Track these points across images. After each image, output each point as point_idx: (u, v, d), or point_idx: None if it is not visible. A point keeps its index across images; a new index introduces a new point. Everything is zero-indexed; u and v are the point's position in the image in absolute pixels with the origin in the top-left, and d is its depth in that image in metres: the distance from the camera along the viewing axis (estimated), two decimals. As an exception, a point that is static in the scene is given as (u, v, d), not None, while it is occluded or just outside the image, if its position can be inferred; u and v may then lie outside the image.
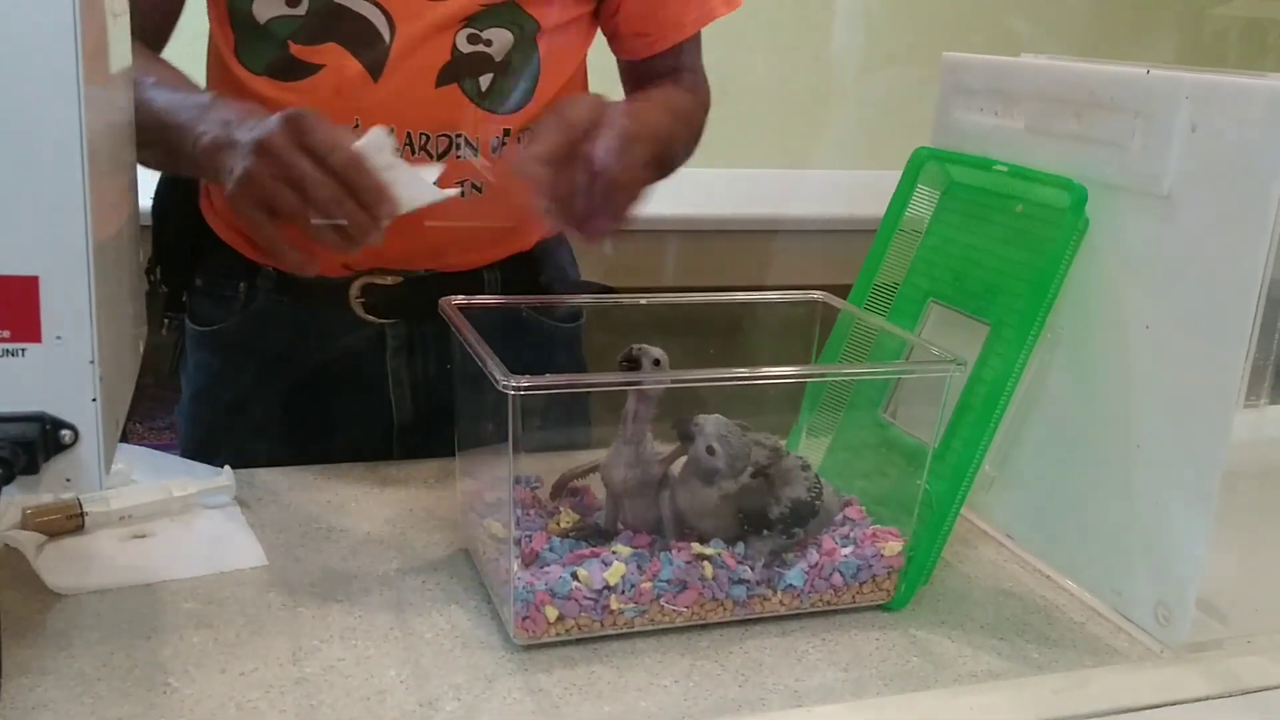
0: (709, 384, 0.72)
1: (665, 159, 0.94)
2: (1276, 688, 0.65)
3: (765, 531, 0.75)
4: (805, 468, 0.78)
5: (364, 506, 0.88)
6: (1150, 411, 0.73)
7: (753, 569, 0.74)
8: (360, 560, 0.80)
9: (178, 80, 0.87)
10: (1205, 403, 0.69)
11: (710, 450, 0.73)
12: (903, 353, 0.87)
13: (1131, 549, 0.75)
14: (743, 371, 0.71)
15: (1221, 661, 0.68)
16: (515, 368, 0.66)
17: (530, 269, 1.04)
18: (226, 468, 0.87)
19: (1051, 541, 0.83)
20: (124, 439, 0.93)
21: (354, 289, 0.98)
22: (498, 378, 0.64)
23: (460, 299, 0.79)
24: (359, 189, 0.71)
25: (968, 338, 0.82)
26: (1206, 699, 0.63)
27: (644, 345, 0.75)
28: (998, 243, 0.82)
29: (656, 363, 0.74)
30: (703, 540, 0.75)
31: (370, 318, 0.99)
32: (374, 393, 1.01)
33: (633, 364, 0.74)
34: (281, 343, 1.00)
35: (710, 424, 0.73)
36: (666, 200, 1.78)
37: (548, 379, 0.65)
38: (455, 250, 0.98)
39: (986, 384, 0.77)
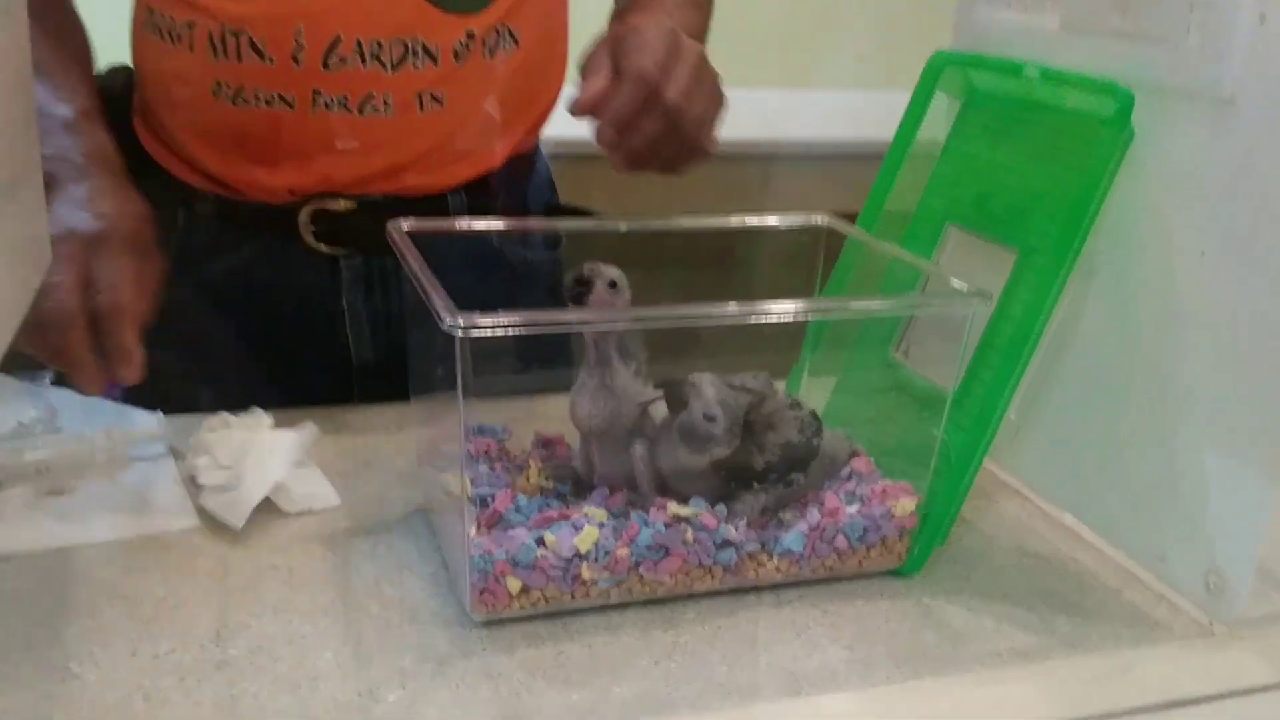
0: (700, 323, 0.62)
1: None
2: (1353, 674, 0.56)
3: (755, 485, 0.65)
4: (795, 405, 0.68)
5: (317, 454, 0.79)
6: (1203, 350, 0.63)
7: (737, 528, 0.65)
8: (305, 520, 0.71)
9: (53, 61, 0.80)
10: (1268, 339, 0.59)
11: (710, 417, 0.63)
12: (917, 285, 0.77)
13: (1178, 508, 0.66)
14: (736, 309, 0.61)
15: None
16: (481, 302, 0.56)
17: (503, 191, 0.94)
18: (158, 413, 0.78)
19: (1082, 497, 0.74)
20: (58, 383, 0.84)
21: (303, 215, 0.88)
22: (442, 316, 0.55)
23: (411, 222, 0.69)
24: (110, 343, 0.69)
25: (992, 267, 0.72)
26: (1271, 688, 0.54)
27: (596, 264, 0.65)
28: (1027, 159, 0.72)
29: (613, 285, 0.64)
30: (682, 499, 0.65)
31: (322, 247, 0.89)
32: (329, 331, 0.91)
33: (583, 286, 0.64)
34: (224, 277, 0.90)
35: (707, 385, 0.64)
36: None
37: (499, 318, 0.55)
38: (415, 171, 0.88)
39: (1014, 320, 0.67)
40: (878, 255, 0.79)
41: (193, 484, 0.72)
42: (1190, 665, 0.56)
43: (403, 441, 0.82)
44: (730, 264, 0.81)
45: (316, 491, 0.73)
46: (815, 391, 0.82)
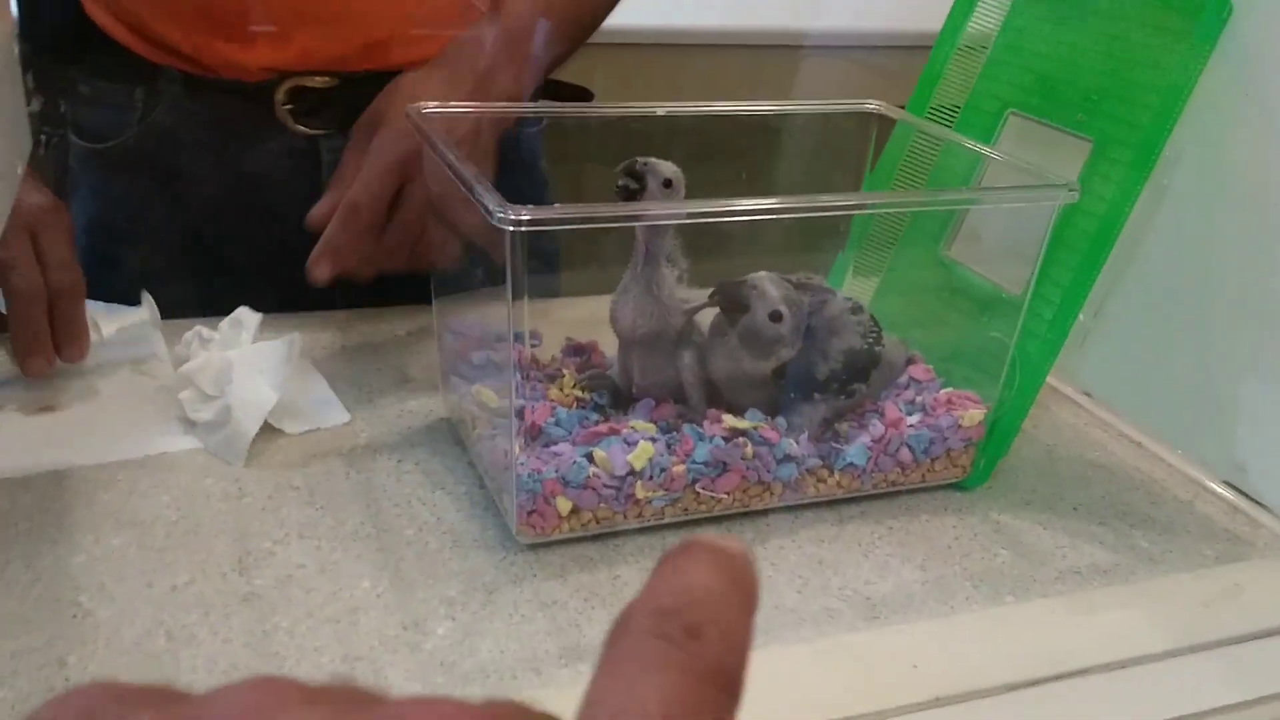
0: (757, 216, 0.56)
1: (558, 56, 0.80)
2: None
3: (816, 395, 0.61)
4: (857, 310, 0.63)
5: (320, 366, 0.73)
6: (1309, 249, 0.59)
7: (798, 442, 0.60)
8: (319, 435, 0.65)
9: None
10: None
11: (776, 316, 0.58)
12: (973, 178, 0.71)
13: (1264, 418, 0.62)
14: (800, 200, 0.55)
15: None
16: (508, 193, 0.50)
17: None
18: (145, 297, 0.71)
19: (1150, 405, 0.70)
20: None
21: (280, 94, 0.80)
22: (492, 209, 0.48)
23: (434, 105, 0.62)
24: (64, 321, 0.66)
25: (1059, 157, 0.67)
26: (1392, 609, 0.51)
27: (650, 159, 0.59)
28: (1105, 37, 0.66)
29: (668, 183, 0.58)
30: (734, 410, 0.60)
31: (301, 128, 0.81)
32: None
33: (637, 181, 0.58)
34: (193, 161, 0.83)
35: (768, 284, 0.58)
36: (666, 8, 1.57)
37: (557, 211, 0.49)
38: (401, 44, 0.81)
39: (1096, 216, 0.62)
40: (929, 146, 0.73)
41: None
42: (1297, 585, 0.53)
43: (415, 350, 0.77)
44: (770, 155, 0.75)
45: (322, 408, 0.67)
46: (858, 292, 0.77)
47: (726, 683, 0.18)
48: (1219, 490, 0.65)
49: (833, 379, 0.60)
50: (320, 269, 0.68)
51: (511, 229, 0.48)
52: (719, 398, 0.61)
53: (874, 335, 0.62)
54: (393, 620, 0.50)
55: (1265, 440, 0.63)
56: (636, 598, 0.19)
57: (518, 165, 0.89)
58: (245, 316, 0.67)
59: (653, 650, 0.17)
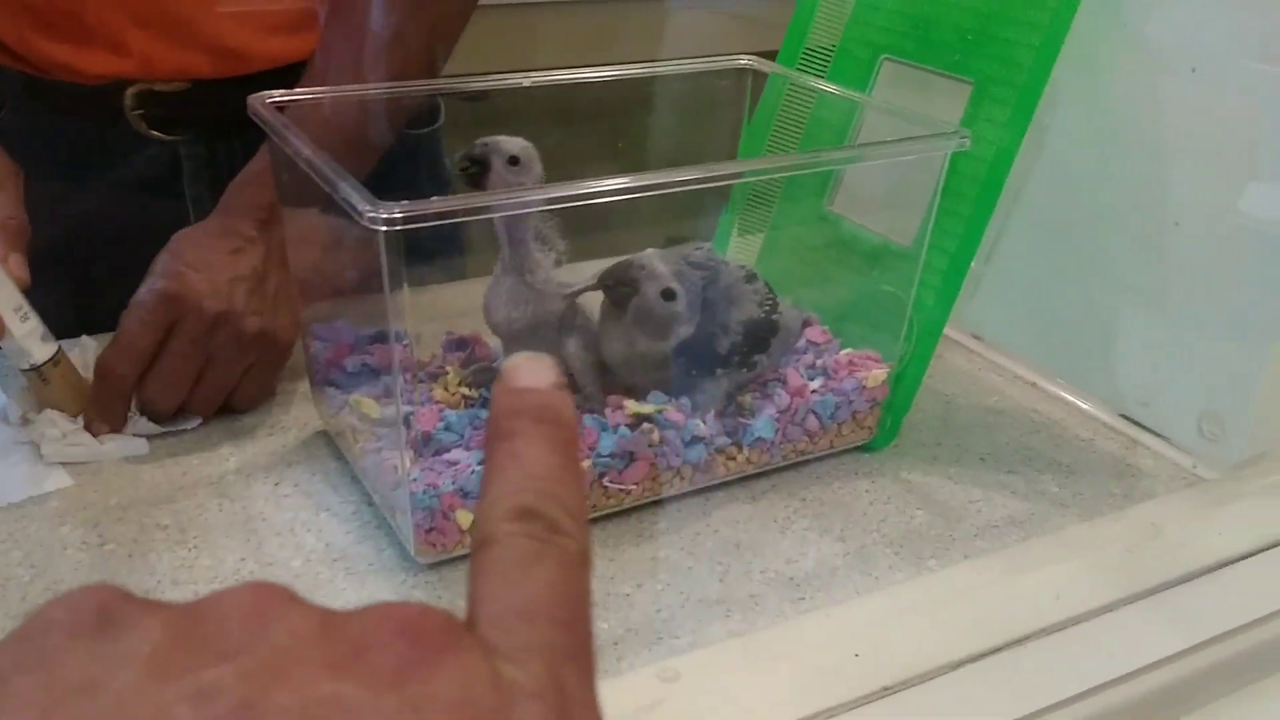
0: (640, 193, 0.53)
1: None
2: (1378, 511, 0.54)
3: (718, 371, 0.58)
4: (751, 278, 0.61)
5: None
6: (1195, 180, 0.58)
7: (705, 421, 0.57)
8: (184, 462, 0.60)
9: None
10: (1269, 160, 0.55)
11: (669, 294, 0.54)
12: (849, 128, 0.69)
13: (1165, 352, 0.62)
14: (679, 173, 0.52)
15: (1297, 482, 0.56)
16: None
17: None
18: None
19: (1046, 346, 0.70)
20: None
21: (128, 99, 0.73)
22: (360, 208, 0.44)
23: (279, 95, 0.57)
24: None
25: (939, 102, 0.65)
26: (1306, 536, 0.52)
27: (493, 138, 0.55)
28: (976, -25, 0.64)
29: (514, 161, 0.54)
30: (632, 394, 0.57)
31: (156, 134, 0.74)
32: (172, 231, 0.77)
33: (477, 164, 0.54)
34: (44, 168, 0.75)
35: (657, 261, 0.55)
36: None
37: (428, 206, 0.44)
38: (260, 51, 0.74)
39: (983, 161, 0.60)
40: (803, 97, 0.71)
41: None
42: (1216, 521, 0.53)
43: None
44: (645, 118, 0.71)
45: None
46: (744, 252, 0.75)
47: (587, 559, 0.22)
48: (1118, 425, 0.65)
49: (734, 352, 0.58)
50: (96, 429, 0.60)
51: (384, 229, 0.44)
52: (616, 383, 0.58)
53: (770, 302, 0.60)
54: (291, 667, 0.46)
55: (1158, 371, 0.63)
56: (487, 499, 0.22)
57: (420, 171, 0.84)
58: (86, 344, 0.61)
59: (526, 549, 0.21)
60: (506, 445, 0.23)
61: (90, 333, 0.66)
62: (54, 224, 0.76)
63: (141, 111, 0.74)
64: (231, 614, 0.19)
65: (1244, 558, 0.49)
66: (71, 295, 0.75)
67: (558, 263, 0.57)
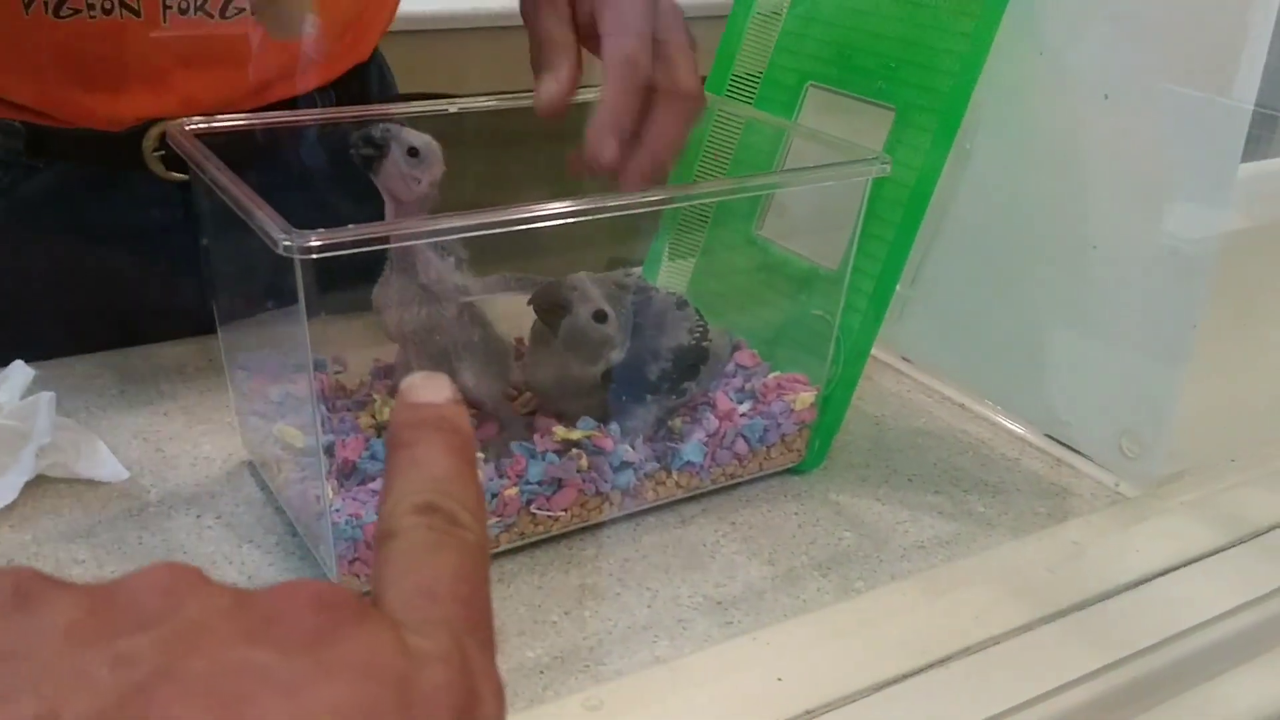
0: (568, 219, 0.53)
1: None
2: (1287, 525, 0.55)
3: (648, 397, 0.58)
4: (682, 304, 0.61)
5: (97, 418, 0.65)
6: (1111, 203, 0.60)
7: (634, 447, 0.57)
8: (102, 498, 0.58)
9: None
10: (1180, 184, 0.56)
11: (600, 316, 0.54)
12: (779, 151, 0.70)
13: (1085, 371, 0.63)
14: (607, 200, 0.52)
15: (1212, 500, 0.57)
16: (293, 209, 0.45)
17: (368, 80, 0.81)
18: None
19: (972, 367, 0.70)
20: None
21: (149, 140, 0.72)
22: (275, 236, 0.43)
23: (198, 122, 0.56)
24: None
25: (863, 128, 0.66)
26: (1220, 550, 0.52)
27: (397, 126, 0.53)
28: (898, 2, 0.65)
29: (413, 152, 0.53)
30: (562, 419, 0.57)
31: (175, 175, 0.73)
32: (186, 274, 0.74)
33: (374, 149, 0.53)
34: (52, 222, 0.73)
35: (589, 284, 0.55)
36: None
37: (350, 232, 0.44)
38: (283, 80, 0.74)
39: (906, 185, 0.61)
40: (731, 122, 0.72)
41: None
42: (1135, 538, 0.54)
43: (205, 384, 0.70)
44: (575, 143, 0.71)
45: (94, 468, 0.59)
46: (675, 276, 0.75)
47: (485, 551, 0.23)
48: (1043, 445, 0.66)
49: (664, 379, 0.58)
50: (608, 145, 0.52)
51: (300, 257, 0.43)
52: (545, 408, 0.58)
53: (701, 329, 0.60)
54: (208, 704, 0.45)
55: (1080, 391, 0.64)
56: (390, 498, 0.23)
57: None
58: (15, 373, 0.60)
59: (427, 539, 0.22)
60: (406, 452, 0.24)
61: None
62: (56, 273, 0.74)
63: (162, 153, 0.72)
64: (145, 590, 0.20)
65: (1160, 575, 0.50)
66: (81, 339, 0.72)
67: (458, 265, 0.56)
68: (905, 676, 0.43)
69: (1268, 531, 0.54)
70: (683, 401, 0.60)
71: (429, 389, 0.25)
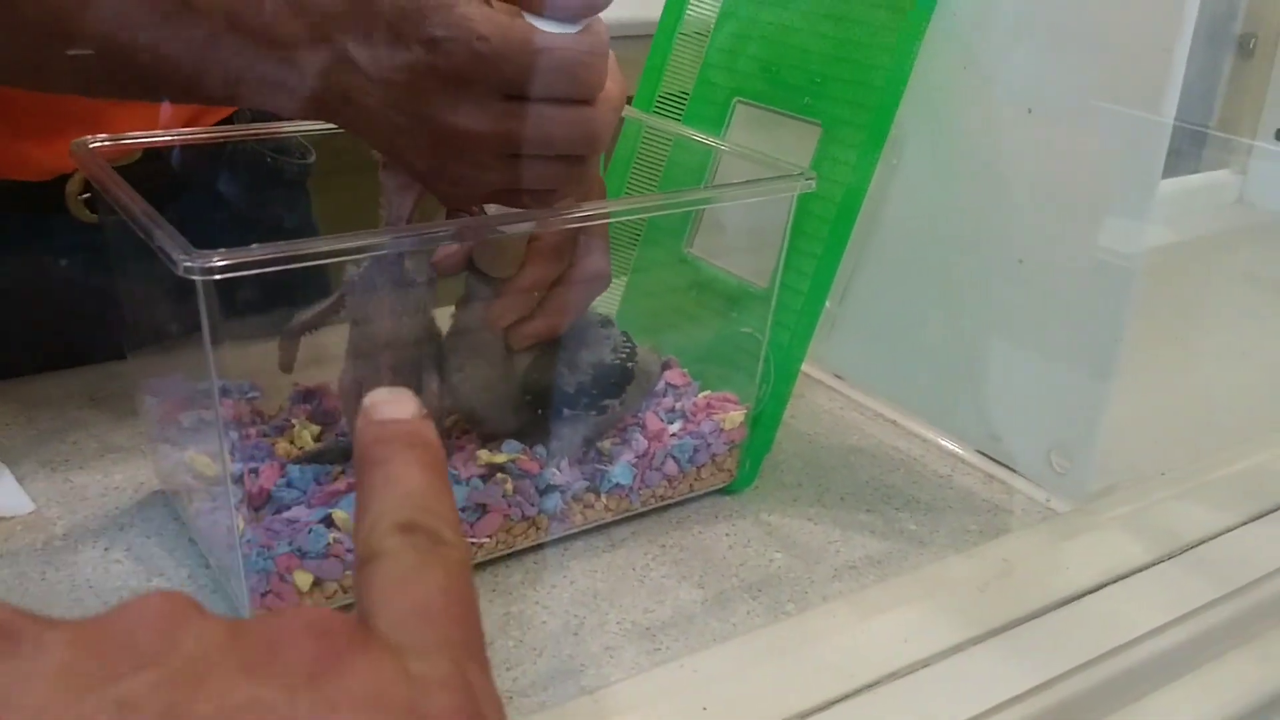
0: (492, 235, 0.52)
1: None
2: (1217, 536, 0.55)
3: (566, 412, 0.57)
4: (606, 323, 0.60)
5: (5, 444, 0.63)
6: (1036, 218, 0.59)
7: (560, 469, 0.56)
8: (5, 527, 0.56)
9: None
10: (1102, 199, 0.56)
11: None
12: (707, 169, 0.69)
13: (1013, 386, 0.63)
14: (530, 215, 0.51)
15: (1142, 514, 0.57)
16: (207, 225, 0.43)
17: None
18: None
19: (902, 384, 0.70)
20: None
21: (73, 185, 0.69)
22: (174, 256, 0.42)
23: (103, 139, 0.54)
24: None
25: (790, 144, 0.65)
26: (1152, 565, 0.52)
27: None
28: (822, 18, 0.65)
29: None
30: (488, 440, 0.56)
31: (96, 215, 0.70)
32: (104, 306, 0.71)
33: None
34: None
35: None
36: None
37: (255, 253, 0.42)
38: (209, 112, 0.72)
39: (833, 201, 0.61)
40: (660, 140, 0.71)
41: None
42: (1067, 555, 0.53)
43: (117, 411, 0.67)
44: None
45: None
46: (604, 296, 0.74)
47: (469, 567, 0.23)
48: (975, 461, 0.66)
49: (582, 393, 0.56)
50: (507, 320, 0.54)
51: (202, 278, 0.42)
52: (473, 434, 0.57)
53: (627, 350, 0.59)
54: (108, 749, 0.43)
55: (1009, 407, 0.64)
56: (368, 519, 0.23)
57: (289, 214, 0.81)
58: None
59: (413, 559, 0.22)
60: (380, 470, 0.24)
61: None
62: None
63: (87, 195, 0.69)
64: (138, 625, 0.19)
65: (1090, 592, 0.50)
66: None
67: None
68: (833, 702, 0.42)
69: (1197, 545, 0.54)
70: (609, 421, 0.59)
71: (395, 405, 0.25)
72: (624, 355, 0.59)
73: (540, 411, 0.57)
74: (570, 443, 0.57)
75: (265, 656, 0.19)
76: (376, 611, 0.21)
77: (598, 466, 0.57)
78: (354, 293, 0.53)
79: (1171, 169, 0.81)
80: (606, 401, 0.58)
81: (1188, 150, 1.00)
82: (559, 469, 0.56)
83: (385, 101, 0.43)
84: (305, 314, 0.55)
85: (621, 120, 0.71)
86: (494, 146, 0.43)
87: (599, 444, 0.59)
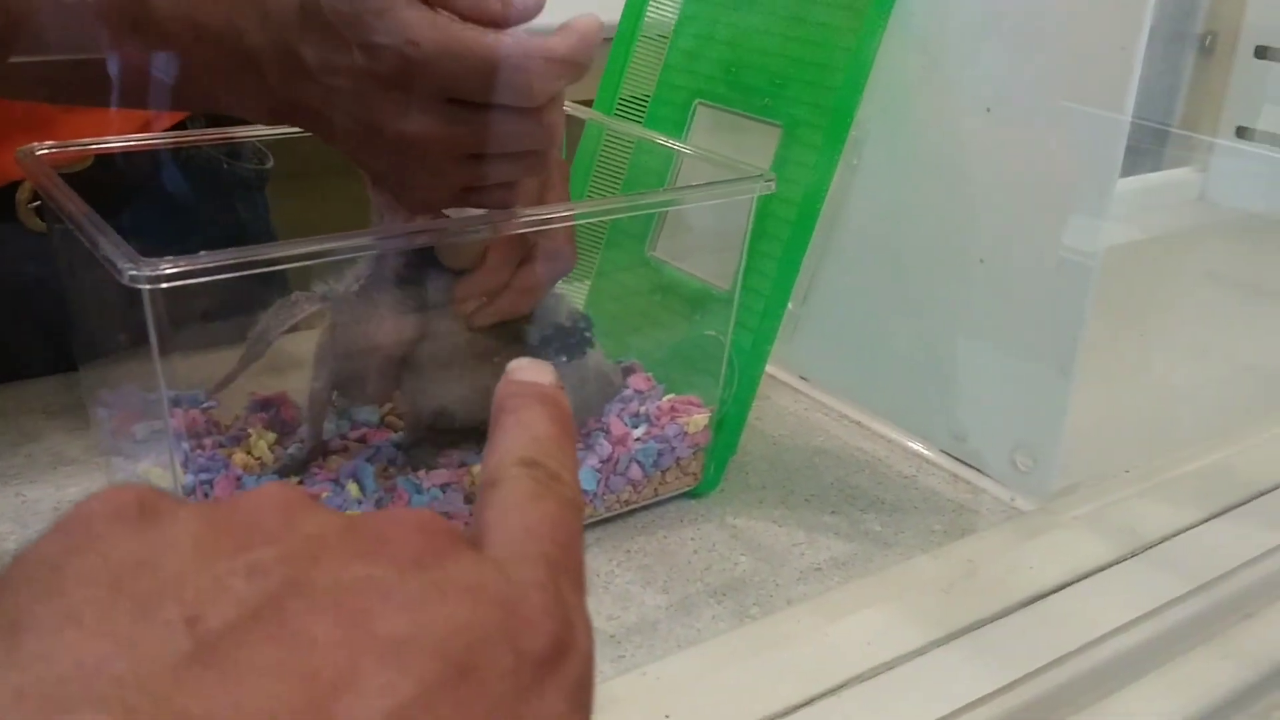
0: (454, 236, 0.51)
1: None
2: (1179, 533, 0.55)
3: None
4: (554, 298, 0.60)
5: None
6: (996, 218, 0.59)
7: None
8: (-46, 546, 0.55)
9: None
10: (1059, 199, 0.56)
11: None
12: (669, 171, 0.69)
13: (976, 386, 0.62)
14: (491, 217, 0.50)
15: (1105, 513, 0.57)
16: (162, 232, 0.43)
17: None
18: None
19: (867, 385, 0.70)
20: None
21: (23, 193, 0.68)
22: (119, 264, 0.41)
23: (50, 145, 0.53)
24: None
25: (751, 146, 0.65)
26: (1116, 563, 0.52)
27: None
28: (781, 19, 0.65)
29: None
30: (465, 439, 0.55)
31: (47, 223, 0.69)
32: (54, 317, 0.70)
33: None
34: None
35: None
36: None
37: (201, 260, 0.42)
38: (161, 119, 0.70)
39: (794, 203, 0.60)
40: (620, 144, 0.70)
41: None
42: (1029, 554, 0.53)
43: (70, 424, 0.66)
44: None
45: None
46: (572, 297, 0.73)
47: (580, 507, 0.24)
48: (939, 461, 0.66)
49: (544, 345, 0.57)
50: (471, 304, 0.55)
51: (148, 287, 0.41)
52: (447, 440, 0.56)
53: (577, 319, 0.59)
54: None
55: (972, 406, 0.64)
56: (497, 449, 0.25)
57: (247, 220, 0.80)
58: None
59: (529, 488, 0.24)
60: (513, 416, 0.26)
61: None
62: None
63: (38, 204, 0.68)
64: (261, 508, 0.21)
65: (1053, 592, 0.50)
66: None
67: None
68: (797, 707, 0.42)
69: (1160, 543, 0.54)
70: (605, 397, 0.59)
71: (534, 371, 0.27)
72: (576, 322, 0.59)
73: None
74: None
75: (375, 545, 0.20)
76: (488, 529, 0.23)
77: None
78: (341, 303, 0.53)
79: (1133, 167, 0.81)
80: (561, 357, 0.58)
81: (1149, 148, 1.01)
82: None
83: (339, 107, 0.43)
84: (276, 321, 0.54)
85: (583, 123, 0.71)
86: (444, 149, 0.43)
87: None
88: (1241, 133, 0.99)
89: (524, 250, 0.54)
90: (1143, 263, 0.80)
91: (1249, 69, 0.96)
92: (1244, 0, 0.96)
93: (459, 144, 0.43)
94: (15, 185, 0.68)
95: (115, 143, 0.58)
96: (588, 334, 0.59)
